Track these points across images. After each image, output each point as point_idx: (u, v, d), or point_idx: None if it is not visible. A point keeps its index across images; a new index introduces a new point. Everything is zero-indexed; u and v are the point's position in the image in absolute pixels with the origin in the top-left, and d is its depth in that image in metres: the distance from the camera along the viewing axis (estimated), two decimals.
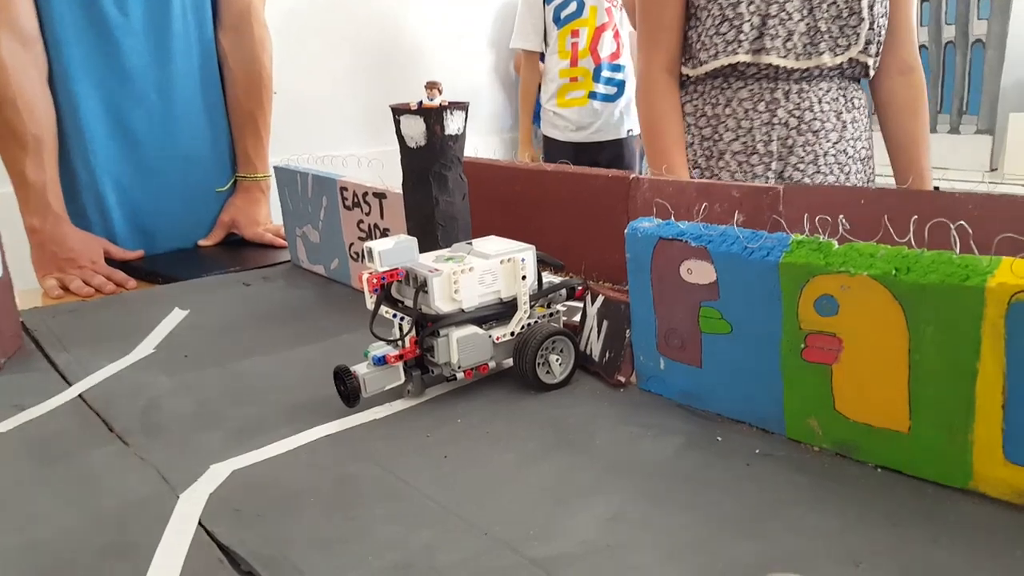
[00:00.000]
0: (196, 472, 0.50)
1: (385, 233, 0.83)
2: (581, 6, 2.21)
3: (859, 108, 1.05)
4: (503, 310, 0.60)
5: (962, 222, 0.40)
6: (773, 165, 1.04)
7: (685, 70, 1.09)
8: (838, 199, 0.71)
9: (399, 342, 0.57)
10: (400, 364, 0.58)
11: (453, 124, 0.69)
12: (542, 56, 2.35)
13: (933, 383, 0.42)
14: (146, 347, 0.75)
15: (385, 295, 0.58)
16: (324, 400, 0.59)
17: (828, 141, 1.02)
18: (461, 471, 0.49)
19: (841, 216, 0.46)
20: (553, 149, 2.35)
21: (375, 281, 0.57)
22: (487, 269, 0.58)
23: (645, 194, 0.81)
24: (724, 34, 1.01)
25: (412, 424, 0.56)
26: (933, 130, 2.05)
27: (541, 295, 0.62)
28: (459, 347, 0.57)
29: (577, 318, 0.66)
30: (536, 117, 2.45)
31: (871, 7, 0.98)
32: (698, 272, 0.52)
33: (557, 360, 0.59)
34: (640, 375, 0.59)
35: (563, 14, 2.25)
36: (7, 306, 0.75)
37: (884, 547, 0.39)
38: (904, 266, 0.41)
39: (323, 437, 0.54)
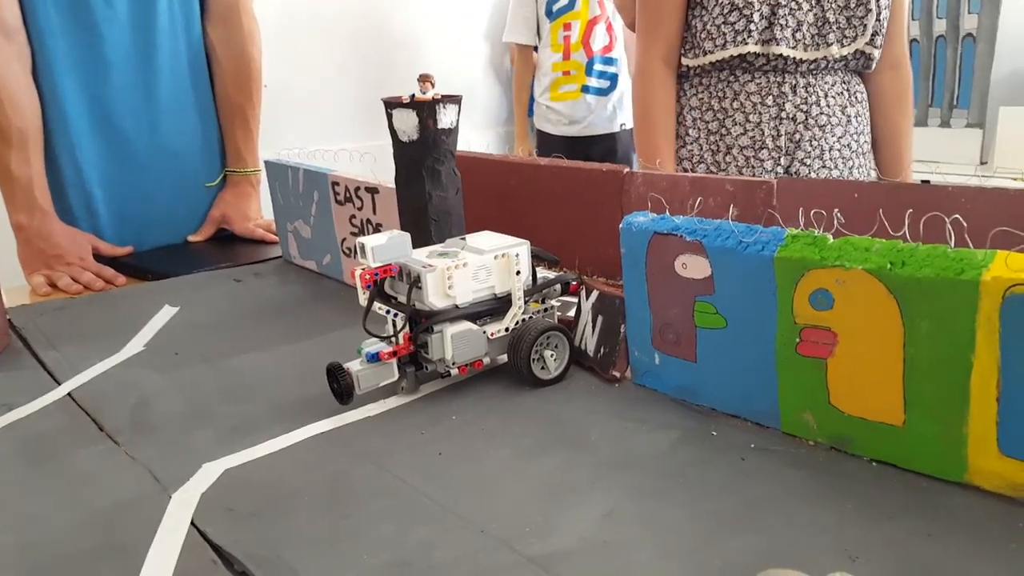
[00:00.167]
0: (188, 471, 0.49)
1: (378, 228, 0.82)
2: None
3: (862, 102, 1.05)
4: (497, 306, 0.59)
5: (957, 216, 0.40)
6: (782, 160, 1.04)
7: (686, 60, 1.08)
8: (831, 193, 0.71)
9: (392, 339, 0.57)
10: (394, 361, 0.57)
11: (446, 118, 0.68)
12: (535, 49, 2.34)
13: (928, 377, 0.42)
14: (136, 344, 0.74)
15: (378, 291, 0.58)
16: (317, 397, 0.59)
17: (834, 136, 1.03)
18: (456, 468, 0.48)
19: (836, 210, 0.46)
20: (546, 143, 2.34)
21: (368, 277, 0.56)
22: (481, 265, 0.58)
23: (639, 188, 0.81)
24: (733, 23, 1.01)
25: (406, 421, 0.55)
26: (924, 124, 2.06)
27: (535, 290, 0.61)
28: (453, 343, 0.56)
29: (571, 313, 0.66)
30: (530, 111, 2.44)
31: None
32: (693, 267, 0.51)
33: (552, 356, 0.59)
34: (635, 370, 0.59)
35: (555, 7, 2.24)
36: None
37: (880, 541, 0.39)
38: (899, 260, 0.41)
39: (316, 435, 0.54)
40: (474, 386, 0.60)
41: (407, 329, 0.57)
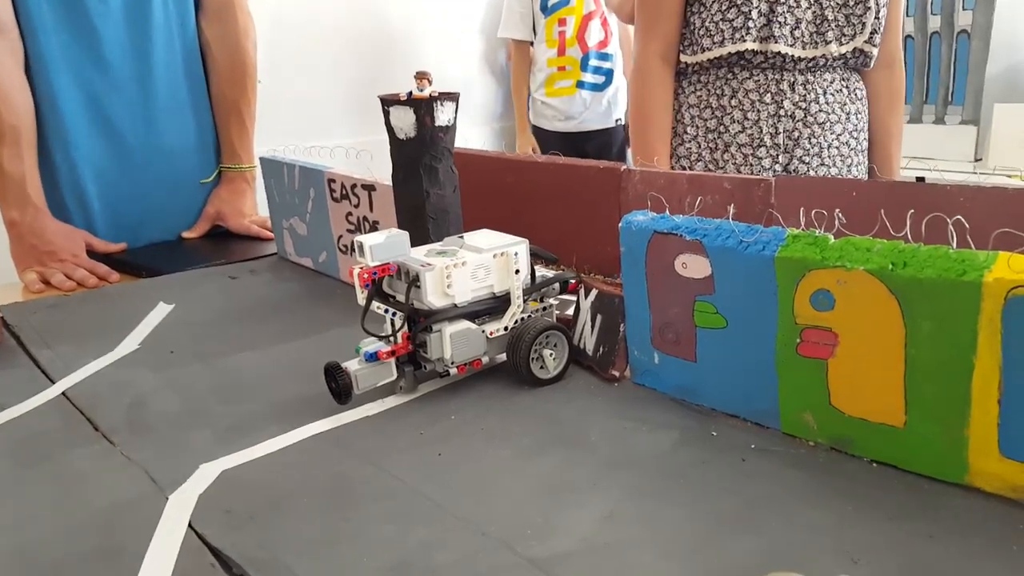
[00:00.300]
0: (185, 472, 0.49)
1: (374, 226, 0.82)
2: None
3: (862, 99, 1.05)
4: (496, 304, 0.59)
5: (959, 217, 0.40)
6: (780, 158, 1.03)
7: (684, 58, 1.08)
8: (830, 191, 0.70)
9: (391, 338, 0.56)
10: (392, 360, 0.57)
11: (444, 115, 0.68)
12: (530, 45, 2.33)
13: (929, 378, 0.42)
14: (131, 343, 0.73)
15: (376, 290, 0.57)
16: (314, 397, 0.58)
17: (832, 133, 1.02)
18: (456, 468, 0.48)
19: (837, 210, 0.45)
20: (541, 138, 2.34)
21: (366, 276, 0.56)
22: (480, 263, 0.57)
23: (637, 186, 0.81)
24: (731, 20, 1.00)
25: (405, 421, 0.55)
26: (919, 120, 2.06)
27: (534, 289, 0.61)
28: (452, 343, 0.56)
29: (570, 312, 0.65)
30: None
31: None
32: (693, 266, 0.51)
33: (551, 355, 0.59)
34: (634, 369, 0.59)
35: (550, 3, 2.23)
36: None
37: (882, 543, 0.39)
38: (900, 260, 0.41)
39: (314, 435, 0.53)
40: (473, 385, 0.60)
41: (406, 328, 0.56)
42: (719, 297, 0.50)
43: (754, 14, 1.00)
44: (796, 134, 1.03)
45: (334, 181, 0.86)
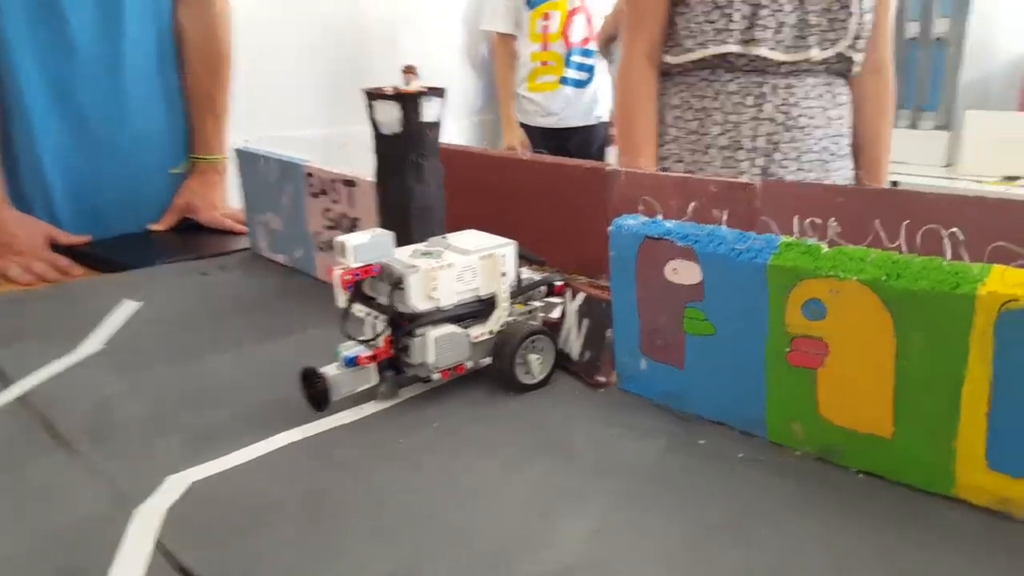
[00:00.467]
0: (152, 484, 0.46)
1: (354, 223, 0.79)
2: None
3: (844, 105, 1.05)
4: (481, 308, 0.57)
5: (955, 229, 0.39)
6: (758, 161, 1.03)
7: (668, 58, 1.07)
8: (815, 196, 0.70)
9: (372, 342, 0.54)
10: (373, 365, 0.55)
11: (430, 111, 0.66)
12: (513, 38, 2.31)
13: (919, 390, 0.41)
14: (94, 343, 0.70)
15: (357, 291, 0.55)
16: (289, 403, 0.56)
17: (813, 138, 1.02)
18: (440, 480, 0.46)
19: (832, 219, 0.44)
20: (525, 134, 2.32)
21: (348, 278, 0.53)
22: (467, 266, 0.55)
23: (622, 187, 0.79)
24: (714, 22, 1.00)
25: (385, 429, 0.53)
26: (894, 125, 2.08)
27: (520, 292, 0.59)
28: (436, 347, 0.54)
29: (554, 314, 0.64)
30: None
31: (860, 1, 0.97)
32: (683, 272, 0.50)
33: (537, 360, 0.57)
34: (620, 375, 0.57)
35: None
36: None
37: (870, 555, 0.38)
38: (894, 272, 0.40)
39: (290, 444, 0.51)
40: (455, 391, 0.58)
41: (388, 332, 0.54)
42: (709, 304, 0.49)
43: (736, 16, 0.99)
44: (776, 138, 1.03)
45: (312, 176, 0.83)
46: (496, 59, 2.37)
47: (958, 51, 1.84)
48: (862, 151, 1.09)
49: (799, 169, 1.03)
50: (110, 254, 1.00)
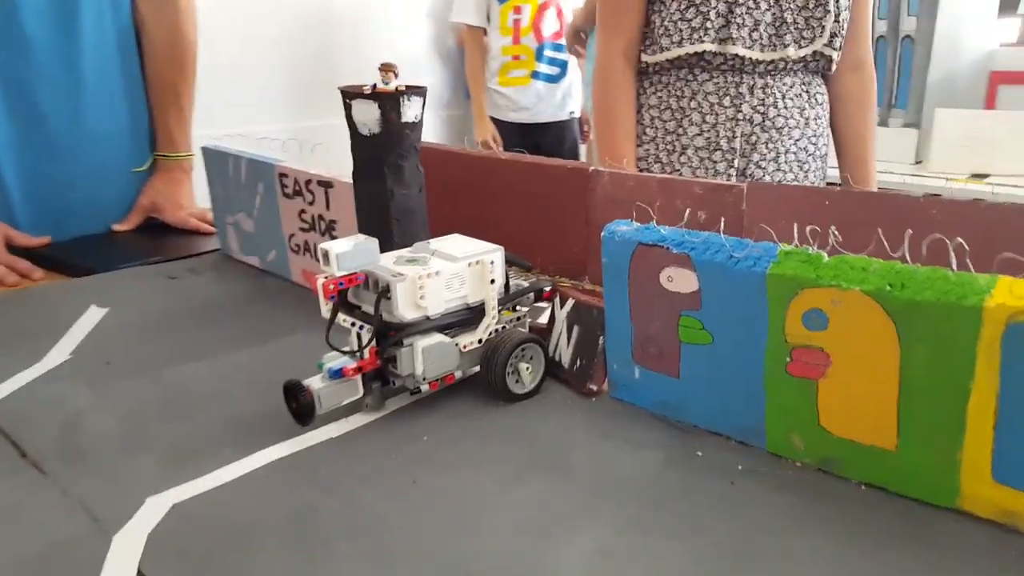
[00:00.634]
0: (130, 507, 0.44)
1: (331, 226, 0.77)
2: None
3: (821, 104, 1.05)
4: (470, 316, 0.56)
5: (960, 239, 0.39)
6: (735, 162, 1.03)
7: (645, 57, 1.06)
8: (801, 199, 0.70)
9: (358, 353, 0.52)
10: (359, 377, 0.53)
11: (411, 111, 0.64)
12: (484, 31, 2.28)
13: (924, 401, 0.41)
14: (60, 352, 0.67)
15: (341, 300, 0.53)
16: (271, 415, 0.54)
17: (790, 138, 1.02)
18: (433, 499, 0.45)
19: (832, 227, 0.44)
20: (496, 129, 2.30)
21: (332, 288, 0.51)
22: (455, 273, 0.54)
23: (605, 188, 0.78)
24: (690, 20, 0.99)
25: (374, 444, 0.51)
26: (875, 122, 2.11)
27: (509, 299, 0.58)
28: (424, 357, 0.53)
29: (542, 319, 0.63)
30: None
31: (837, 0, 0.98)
32: (679, 280, 0.49)
33: (527, 368, 0.56)
34: (613, 384, 0.56)
35: None
36: None
37: (879, 572, 0.38)
38: (898, 282, 0.40)
39: (274, 461, 0.49)
40: (444, 402, 0.56)
41: (374, 342, 0.52)
42: (706, 313, 0.49)
43: (712, 15, 0.99)
44: (753, 138, 1.03)
45: (286, 176, 0.81)
46: (466, 53, 2.34)
47: (926, 49, 1.87)
48: (845, 151, 1.09)
49: (777, 170, 1.03)
50: (72, 257, 0.96)
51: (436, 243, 0.59)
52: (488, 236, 0.60)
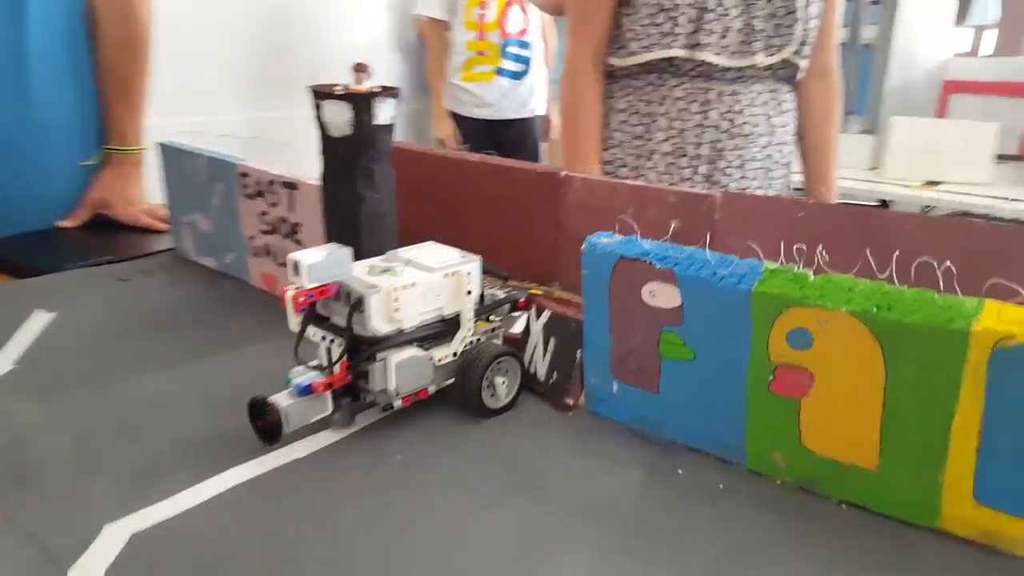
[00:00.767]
0: (85, 537, 0.41)
1: (295, 229, 0.74)
2: None
3: (788, 112, 1.06)
4: (445, 328, 0.54)
5: (948, 263, 0.39)
6: (701, 168, 1.03)
7: (613, 60, 1.05)
8: (775, 211, 0.70)
9: (327, 368, 0.50)
10: (328, 393, 0.51)
11: (384, 113, 0.62)
12: (447, 25, 2.25)
13: (907, 423, 0.41)
14: (3, 362, 0.63)
15: (310, 313, 0.51)
16: (234, 433, 0.51)
17: (757, 146, 1.03)
18: (409, 522, 0.43)
19: (820, 246, 0.44)
20: (457, 125, 2.27)
21: (302, 300, 0.49)
22: (431, 285, 0.52)
23: (577, 193, 0.77)
24: (660, 25, 0.98)
25: (345, 463, 0.49)
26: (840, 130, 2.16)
27: (484, 311, 0.57)
28: (398, 373, 0.51)
29: (515, 328, 0.61)
30: None
31: (807, 6, 0.98)
32: (662, 295, 0.48)
33: (503, 382, 0.55)
34: (590, 397, 0.55)
35: None
36: None
37: None
38: (885, 303, 0.40)
39: (239, 484, 0.47)
40: (416, 416, 0.54)
41: (345, 357, 0.50)
42: (688, 329, 0.48)
43: (682, 20, 0.99)
44: (720, 145, 1.03)
45: (247, 176, 0.78)
46: (428, 47, 2.31)
47: (884, 58, 1.91)
48: (808, 158, 1.10)
49: (742, 177, 1.04)
50: (14, 255, 0.91)
51: (410, 252, 0.57)
52: (455, 239, 0.58)
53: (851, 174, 1.89)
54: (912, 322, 0.39)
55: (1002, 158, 1.86)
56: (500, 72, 2.18)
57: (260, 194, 0.77)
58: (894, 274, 0.47)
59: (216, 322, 0.73)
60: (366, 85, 0.61)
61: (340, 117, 0.61)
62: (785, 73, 1.03)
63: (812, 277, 0.43)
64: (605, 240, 0.51)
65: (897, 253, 0.41)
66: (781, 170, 1.07)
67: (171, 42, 1.81)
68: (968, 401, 0.39)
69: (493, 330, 0.58)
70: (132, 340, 0.68)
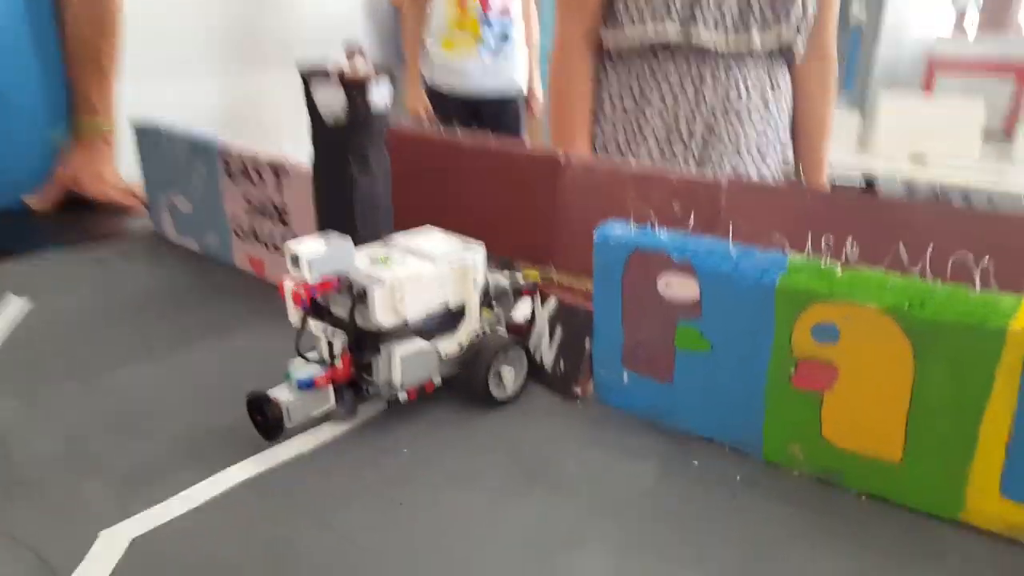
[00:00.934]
0: (82, 544, 0.39)
1: (282, 213, 0.71)
2: None
3: (783, 90, 1.04)
4: (450, 320, 0.52)
5: (977, 255, 0.39)
6: (695, 149, 1.01)
7: (606, 38, 1.02)
8: (783, 197, 0.69)
9: (330, 362, 0.48)
10: (330, 386, 0.49)
11: (379, 96, 0.59)
12: None
13: (935, 418, 0.40)
14: None
15: (311, 306, 0.49)
16: (232, 427, 0.49)
17: (751, 126, 1.01)
18: (421, 523, 0.42)
19: (850, 237, 0.43)
20: (433, 98, 2.22)
21: (303, 295, 0.47)
22: (436, 275, 0.50)
23: (576, 177, 0.76)
24: (653, 2, 0.96)
25: (350, 459, 0.47)
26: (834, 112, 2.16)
27: (489, 300, 0.55)
28: (403, 366, 0.49)
29: (517, 314, 0.60)
30: None
31: None
32: (679, 288, 0.47)
33: (510, 372, 0.53)
34: (599, 387, 0.54)
35: None
36: None
37: None
38: (918, 300, 0.39)
39: (241, 483, 0.45)
40: (420, 408, 0.53)
41: (347, 351, 0.48)
42: (706, 322, 0.47)
43: None
44: (714, 125, 1.01)
45: (230, 155, 0.74)
46: (403, 17, 2.24)
47: (874, 35, 1.91)
48: (801, 139, 1.09)
49: (737, 157, 1.03)
50: None
51: (409, 239, 0.55)
52: (449, 223, 0.56)
53: (838, 150, 1.89)
54: (945, 320, 0.38)
55: (988, 136, 1.87)
56: (481, 46, 2.13)
57: (244, 175, 0.74)
58: (905, 262, 0.47)
59: (202, 307, 0.70)
60: (361, 68, 0.58)
61: (334, 102, 0.58)
62: (781, 54, 1.02)
63: (839, 271, 0.42)
64: (619, 231, 0.49)
65: (904, 243, 0.41)
66: (776, 152, 1.06)
67: (138, 4, 1.73)
68: (1000, 398, 0.38)
69: (498, 319, 0.57)
70: (115, 328, 0.65)
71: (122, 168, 1.06)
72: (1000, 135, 1.93)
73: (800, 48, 1.01)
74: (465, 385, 0.52)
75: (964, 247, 0.47)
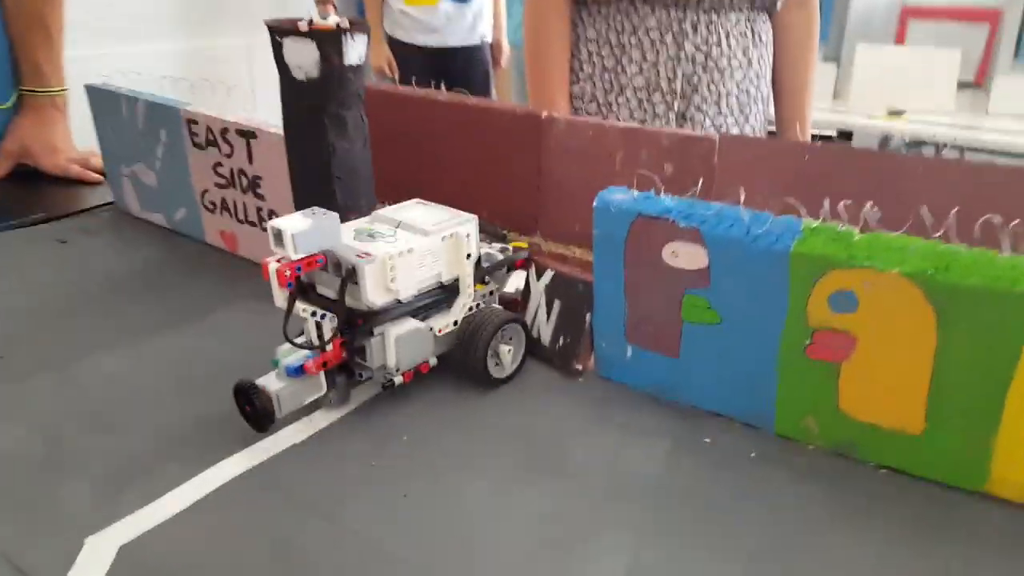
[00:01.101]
0: (67, 553, 0.36)
1: (255, 182, 0.67)
2: None
3: (765, 44, 1.01)
4: (443, 295, 0.50)
5: (998, 215, 0.37)
6: (675, 103, 0.98)
7: None
8: (778, 153, 0.67)
9: (320, 346, 0.45)
10: (322, 372, 0.46)
11: (354, 51, 0.55)
12: None
13: (959, 387, 0.39)
14: None
15: (298, 286, 0.46)
16: (218, 417, 0.46)
17: (732, 80, 0.98)
18: (427, 514, 0.40)
19: (870, 203, 0.41)
20: (399, 53, 2.14)
21: (288, 273, 0.44)
22: (428, 249, 0.47)
23: (560, 136, 0.72)
24: None
25: (347, 447, 0.45)
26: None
27: (483, 274, 0.52)
28: (398, 347, 0.46)
29: (508, 287, 0.57)
30: None
31: None
32: (685, 256, 0.45)
33: (508, 350, 0.51)
34: (600, 362, 0.52)
35: None
36: None
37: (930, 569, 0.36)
38: (942, 264, 0.37)
39: (233, 478, 0.42)
40: (416, 390, 0.50)
41: (338, 334, 0.45)
42: (715, 291, 0.45)
43: None
44: (695, 79, 0.98)
45: (195, 123, 0.70)
46: None
47: None
48: (783, 91, 1.06)
49: (719, 113, 1.00)
50: None
51: (397, 212, 0.52)
52: (429, 188, 0.53)
53: (815, 104, 1.87)
54: (971, 285, 0.37)
55: (961, 86, 1.87)
56: None
57: (212, 143, 0.69)
58: (928, 226, 0.45)
59: (175, 287, 0.66)
60: (333, 20, 0.54)
61: (306, 58, 0.54)
62: (763, 2, 0.98)
63: (857, 235, 0.40)
64: (620, 196, 0.47)
65: (957, 208, 0.39)
66: (758, 106, 1.03)
67: None
68: None
69: (491, 293, 0.54)
70: (84, 312, 0.62)
71: (77, 137, 1.00)
72: (973, 84, 1.92)
73: None
74: (462, 365, 0.50)
75: (990, 209, 0.46)
